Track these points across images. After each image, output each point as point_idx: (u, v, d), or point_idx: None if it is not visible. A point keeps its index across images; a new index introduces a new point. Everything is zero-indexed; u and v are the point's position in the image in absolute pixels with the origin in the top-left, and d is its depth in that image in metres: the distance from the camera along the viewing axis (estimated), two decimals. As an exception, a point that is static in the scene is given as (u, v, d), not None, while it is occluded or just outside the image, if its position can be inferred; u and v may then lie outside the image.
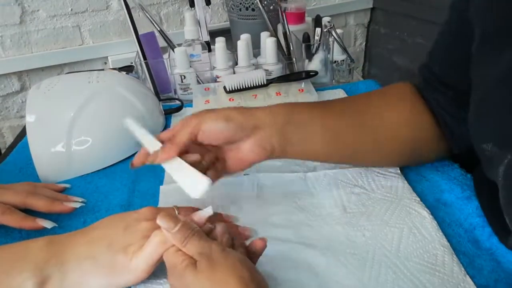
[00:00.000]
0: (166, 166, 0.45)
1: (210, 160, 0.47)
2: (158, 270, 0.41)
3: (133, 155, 0.63)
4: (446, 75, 0.50)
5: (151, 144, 0.47)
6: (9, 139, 1.25)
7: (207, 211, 0.40)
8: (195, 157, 0.45)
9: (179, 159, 0.44)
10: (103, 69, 1.01)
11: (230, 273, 0.34)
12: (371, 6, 1.60)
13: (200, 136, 0.46)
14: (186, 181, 0.43)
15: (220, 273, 0.34)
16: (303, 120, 0.49)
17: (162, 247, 0.37)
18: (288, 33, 0.85)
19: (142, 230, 0.39)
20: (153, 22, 0.85)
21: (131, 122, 0.49)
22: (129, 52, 1.20)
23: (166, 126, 0.72)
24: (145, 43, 0.81)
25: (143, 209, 0.42)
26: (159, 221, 0.37)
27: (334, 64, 0.88)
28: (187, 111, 0.76)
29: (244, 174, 0.57)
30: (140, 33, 0.80)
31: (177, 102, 0.79)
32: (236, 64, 0.84)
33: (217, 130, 0.46)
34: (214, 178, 0.46)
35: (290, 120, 0.48)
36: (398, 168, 0.56)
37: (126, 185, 0.57)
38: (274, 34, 0.87)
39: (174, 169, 0.44)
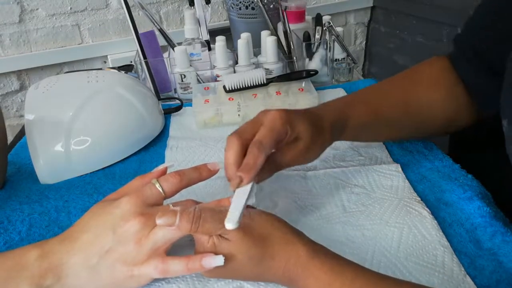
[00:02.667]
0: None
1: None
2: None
3: (133, 155, 0.64)
4: (483, 48, 0.51)
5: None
6: (9, 138, 1.25)
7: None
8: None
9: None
10: (101, 69, 1.00)
11: (261, 225, 0.37)
12: (371, 4, 1.60)
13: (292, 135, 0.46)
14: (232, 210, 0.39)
15: (252, 230, 0.37)
16: (361, 123, 0.52)
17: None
18: (288, 32, 0.85)
19: (132, 235, 0.37)
20: (153, 21, 0.85)
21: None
22: (129, 51, 1.19)
23: (166, 126, 0.72)
24: (145, 42, 0.80)
25: (123, 202, 0.39)
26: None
27: (334, 63, 0.88)
28: (186, 111, 0.76)
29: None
30: (140, 32, 0.79)
31: (177, 101, 0.79)
32: (236, 63, 0.84)
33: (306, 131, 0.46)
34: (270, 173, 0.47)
35: (352, 126, 0.51)
36: (399, 166, 0.56)
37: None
38: (275, 33, 0.87)
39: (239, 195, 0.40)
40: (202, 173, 0.43)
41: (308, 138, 0.46)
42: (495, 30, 0.50)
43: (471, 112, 0.55)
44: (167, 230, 0.38)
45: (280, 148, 0.46)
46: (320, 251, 0.37)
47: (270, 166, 0.45)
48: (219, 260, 0.36)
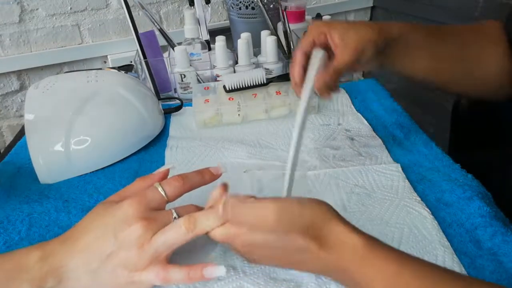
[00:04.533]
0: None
1: None
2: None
3: (133, 154, 0.63)
4: None
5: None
6: (8, 138, 1.25)
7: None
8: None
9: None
10: (101, 69, 1.00)
11: (312, 214, 0.36)
12: (371, 4, 1.60)
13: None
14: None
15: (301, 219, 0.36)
16: (417, 47, 0.52)
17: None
18: (288, 31, 0.85)
19: (134, 240, 0.37)
20: (153, 21, 0.85)
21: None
22: (129, 51, 1.19)
23: (166, 126, 0.72)
24: (145, 41, 0.80)
25: (125, 205, 0.38)
26: (201, 226, 0.37)
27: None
28: (186, 111, 0.76)
29: (244, 172, 0.56)
30: (140, 32, 0.79)
31: (177, 101, 0.79)
32: (236, 63, 0.84)
33: (365, 54, 0.49)
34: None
35: (409, 43, 0.51)
36: (399, 166, 0.56)
37: (126, 185, 0.56)
38: (275, 32, 0.87)
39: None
40: (205, 176, 0.43)
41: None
42: None
43: None
44: (170, 236, 0.37)
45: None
46: (378, 242, 0.36)
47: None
48: (220, 270, 0.36)
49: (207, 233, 0.39)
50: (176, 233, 0.37)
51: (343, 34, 0.49)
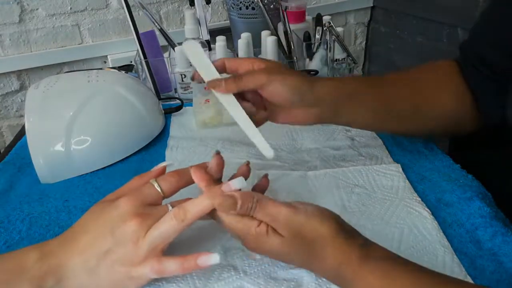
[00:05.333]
0: (223, 100, 0.46)
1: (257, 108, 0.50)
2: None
3: (133, 154, 0.63)
4: (487, 54, 0.52)
5: (208, 72, 0.47)
6: (9, 138, 1.25)
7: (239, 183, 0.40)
8: (249, 106, 0.49)
9: (234, 99, 0.46)
10: (101, 69, 1.00)
11: (313, 226, 0.37)
12: (371, 4, 1.60)
13: (262, 92, 0.47)
14: (257, 139, 0.45)
15: (304, 230, 0.37)
16: (360, 101, 0.51)
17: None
18: (288, 32, 0.85)
19: (130, 235, 0.37)
20: (153, 21, 0.85)
21: (192, 46, 0.49)
22: (129, 51, 1.19)
23: (166, 126, 0.72)
24: (145, 41, 0.80)
25: (122, 203, 0.39)
26: (219, 207, 0.38)
27: (334, 63, 0.88)
28: (187, 111, 0.76)
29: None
30: (140, 31, 0.79)
31: (177, 101, 0.79)
32: (236, 63, 0.84)
33: (282, 95, 0.47)
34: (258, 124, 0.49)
35: (350, 98, 0.50)
36: (399, 166, 0.56)
37: (126, 184, 0.57)
38: (275, 33, 0.87)
39: (231, 106, 0.46)
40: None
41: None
42: (498, 37, 0.50)
43: (476, 118, 0.54)
44: (163, 229, 0.38)
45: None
46: (375, 253, 0.37)
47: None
48: (214, 259, 0.37)
49: (223, 224, 0.39)
50: (168, 225, 0.38)
51: (273, 65, 0.48)
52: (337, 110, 0.50)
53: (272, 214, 0.37)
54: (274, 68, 0.48)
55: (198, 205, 0.38)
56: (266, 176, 0.46)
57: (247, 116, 0.46)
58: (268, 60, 0.49)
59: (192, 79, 0.49)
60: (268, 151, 0.45)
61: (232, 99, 0.47)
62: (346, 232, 0.38)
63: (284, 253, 0.38)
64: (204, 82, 0.48)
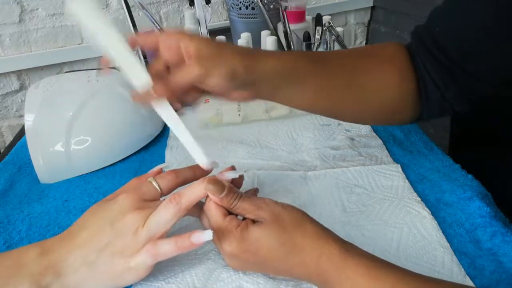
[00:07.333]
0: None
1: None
2: (157, 270, 0.41)
3: (133, 154, 0.63)
4: (446, 38, 0.48)
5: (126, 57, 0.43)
6: (9, 138, 1.25)
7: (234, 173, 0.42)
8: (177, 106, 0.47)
9: (166, 103, 0.45)
10: (101, 69, 1.00)
11: (292, 216, 0.39)
12: (371, 4, 1.60)
13: (197, 85, 0.43)
14: (191, 146, 0.45)
15: (284, 218, 0.38)
16: (298, 79, 0.47)
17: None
18: (288, 32, 0.85)
19: (130, 227, 0.38)
20: (153, 21, 0.85)
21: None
22: (129, 51, 1.19)
23: (166, 126, 0.72)
24: (144, 42, 0.80)
25: (121, 197, 0.40)
26: (207, 187, 0.39)
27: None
28: (186, 111, 0.76)
29: (244, 172, 0.56)
30: (140, 32, 0.79)
31: (177, 101, 0.79)
32: (236, 63, 0.84)
33: (218, 85, 0.43)
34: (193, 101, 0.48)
35: (288, 77, 0.46)
36: (399, 166, 0.56)
37: (126, 184, 0.57)
38: (275, 33, 0.87)
39: (163, 110, 0.45)
40: (196, 171, 0.44)
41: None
42: (458, 22, 0.48)
43: (415, 107, 0.51)
44: (160, 215, 0.38)
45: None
46: (353, 250, 0.37)
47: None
48: (207, 235, 0.37)
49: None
50: (165, 211, 0.39)
51: (203, 48, 0.42)
52: (276, 89, 0.46)
53: (257, 204, 0.39)
54: (205, 52, 0.42)
55: (192, 189, 0.40)
56: (242, 176, 0.46)
57: (181, 121, 0.45)
58: (195, 37, 0.43)
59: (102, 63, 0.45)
60: (202, 160, 0.44)
61: (164, 102, 0.44)
62: (324, 227, 0.39)
63: (264, 245, 0.37)
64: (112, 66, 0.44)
